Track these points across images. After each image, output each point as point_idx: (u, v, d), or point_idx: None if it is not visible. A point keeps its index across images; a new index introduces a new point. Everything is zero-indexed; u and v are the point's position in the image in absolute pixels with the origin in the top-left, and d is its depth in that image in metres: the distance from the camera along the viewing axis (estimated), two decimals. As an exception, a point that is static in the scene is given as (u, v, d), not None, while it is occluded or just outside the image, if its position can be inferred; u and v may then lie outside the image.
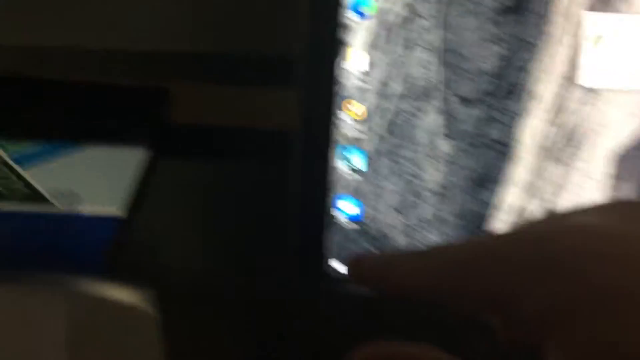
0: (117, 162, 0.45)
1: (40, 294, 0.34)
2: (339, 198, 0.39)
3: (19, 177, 0.43)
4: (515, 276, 0.19)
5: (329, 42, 0.37)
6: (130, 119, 0.49)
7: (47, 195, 0.41)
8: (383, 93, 0.37)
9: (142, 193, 0.42)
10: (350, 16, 0.37)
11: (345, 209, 0.39)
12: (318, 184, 0.38)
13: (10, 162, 0.44)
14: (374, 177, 0.38)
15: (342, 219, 0.39)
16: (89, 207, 0.41)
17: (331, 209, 0.39)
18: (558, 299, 0.18)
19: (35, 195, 0.41)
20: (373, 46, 0.37)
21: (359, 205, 0.39)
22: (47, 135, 0.47)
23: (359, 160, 0.38)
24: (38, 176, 0.43)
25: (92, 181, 0.43)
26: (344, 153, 0.38)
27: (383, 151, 0.38)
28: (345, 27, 0.37)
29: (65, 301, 0.34)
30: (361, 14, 0.37)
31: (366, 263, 0.23)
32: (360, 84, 0.37)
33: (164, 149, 0.46)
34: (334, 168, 0.38)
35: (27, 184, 0.42)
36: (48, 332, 0.32)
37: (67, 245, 0.38)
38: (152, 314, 0.35)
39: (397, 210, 0.39)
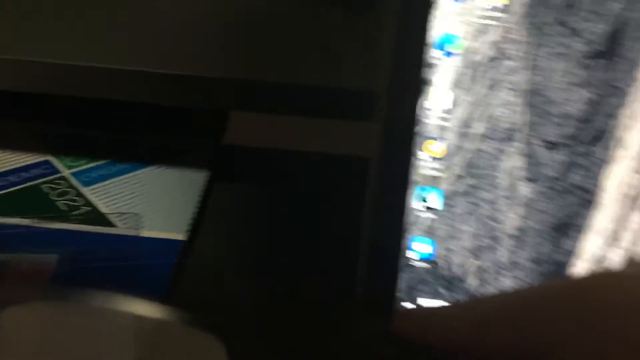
0: (179, 184, 0.44)
1: (109, 314, 0.33)
2: (413, 237, 0.38)
3: (81, 195, 0.42)
4: (547, 328, 0.18)
5: (412, 79, 0.37)
6: (193, 140, 0.48)
7: (109, 215, 0.40)
8: (464, 132, 0.37)
9: (204, 216, 0.41)
10: (435, 54, 0.37)
11: (418, 248, 0.38)
12: (392, 221, 0.37)
13: (74, 181, 0.43)
14: (449, 217, 0.37)
15: (413, 257, 0.38)
16: (152, 230, 0.39)
17: (404, 248, 0.38)
18: (589, 353, 0.17)
19: (97, 216, 0.40)
20: (457, 85, 0.36)
21: (432, 245, 0.38)
22: (109, 154, 0.46)
23: (435, 199, 0.37)
24: (100, 196, 0.42)
25: (154, 203, 0.42)
26: (421, 191, 0.37)
27: (460, 191, 0.37)
28: (429, 65, 0.37)
29: (134, 323, 0.33)
30: (447, 52, 0.37)
31: (410, 316, 0.22)
32: (442, 122, 0.37)
33: (229, 172, 0.45)
34: (410, 206, 0.37)
35: (89, 203, 0.41)
36: (117, 353, 0.31)
37: (130, 268, 0.37)
38: (216, 339, 0.34)
39: (472, 252, 0.37)
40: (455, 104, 0.37)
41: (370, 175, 0.37)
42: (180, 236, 0.39)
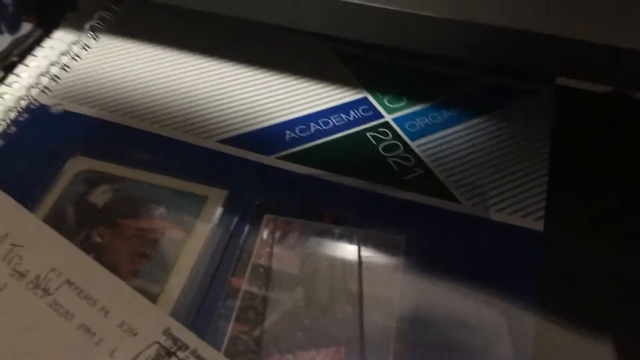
0: (522, 142, 0.37)
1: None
2: None
3: (410, 152, 0.37)
4: None
5: None
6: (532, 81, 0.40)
7: (449, 185, 0.35)
8: None
9: (559, 202, 0.35)
10: None
11: None
12: None
13: (397, 130, 0.38)
14: None
15: None
16: (499, 211, 0.34)
17: None
18: None
19: (433, 184, 0.35)
20: None
21: None
22: (433, 93, 0.39)
23: None
24: (430, 154, 0.37)
25: (496, 170, 0.36)
26: None
27: None
28: None
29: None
30: None
31: None
32: None
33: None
34: None
35: (421, 163, 0.36)
36: None
37: (485, 259, 0.32)
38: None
39: None
40: None
41: None
42: (537, 224, 0.33)
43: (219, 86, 0.40)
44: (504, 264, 0.32)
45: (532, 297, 0.30)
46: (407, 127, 0.38)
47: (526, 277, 0.31)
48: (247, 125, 0.37)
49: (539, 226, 0.33)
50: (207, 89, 0.39)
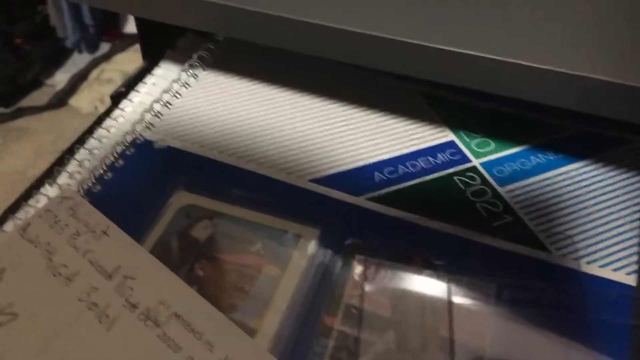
0: (621, 193, 0.37)
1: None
2: None
3: (499, 197, 0.37)
4: None
5: None
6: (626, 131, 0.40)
7: (539, 234, 0.35)
8: None
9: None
10: None
11: None
12: None
13: (485, 175, 0.38)
14: None
15: None
16: (591, 262, 0.34)
17: None
18: None
19: (523, 231, 0.35)
20: None
21: None
22: (522, 138, 0.40)
23: None
24: (520, 201, 0.37)
25: (591, 218, 0.36)
26: None
27: None
28: None
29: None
30: None
31: None
32: None
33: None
34: None
35: (510, 210, 0.37)
36: None
37: (574, 309, 0.32)
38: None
39: None
40: None
41: None
42: (628, 279, 0.33)
43: (312, 125, 0.41)
44: (594, 316, 0.32)
45: (624, 354, 0.30)
46: (495, 172, 0.38)
47: (617, 331, 0.31)
48: (338, 165, 0.39)
49: (630, 280, 0.33)
50: (300, 128, 0.41)
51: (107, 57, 1.33)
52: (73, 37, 1.26)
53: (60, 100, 1.33)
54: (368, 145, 0.40)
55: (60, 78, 1.34)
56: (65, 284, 0.31)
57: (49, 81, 1.34)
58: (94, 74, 1.32)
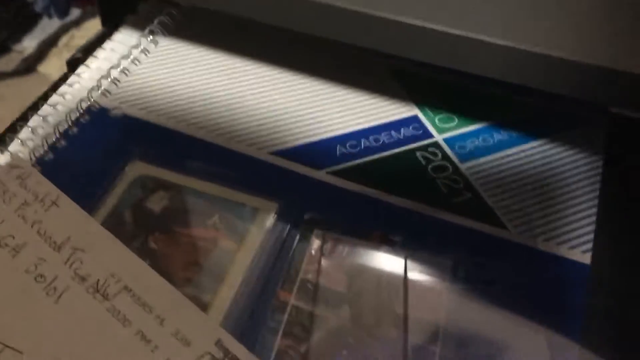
0: (573, 170, 0.37)
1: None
2: None
3: (459, 174, 0.37)
4: None
5: None
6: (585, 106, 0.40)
7: (497, 211, 0.35)
8: None
9: (608, 235, 0.35)
10: None
11: None
12: None
13: (447, 151, 0.38)
14: None
15: None
16: (547, 240, 0.34)
17: None
18: None
19: (481, 208, 0.35)
20: None
21: None
22: (486, 114, 0.39)
23: None
24: (480, 178, 0.37)
25: (544, 197, 0.36)
26: None
27: None
28: None
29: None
30: None
31: None
32: None
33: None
34: None
35: (470, 187, 0.36)
36: None
37: (529, 288, 0.32)
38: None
39: None
40: None
41: None
42: (584, 257, 0.33)
43: (274, 96, 0.40)
44: (549, 294, 0.32)
45: (577, 332, 0.31)
46: (457, 148, 0.38)
47: (571, 309, 0.31)
48: (300, 138, 0.38)
49: (586, 259, 0.33)
50: (262, 99, 0.40)
51: (77, 23, 1.29)
52: (42, 1, 1.22)
53: (29, 66, 1.29)
54: (332, 118, 0.39)
55: (29, 44, 1.30)
56: (12, 255, 0.30)
57: (16, 47, 1.30)
58: (64, 40, 1.29)
